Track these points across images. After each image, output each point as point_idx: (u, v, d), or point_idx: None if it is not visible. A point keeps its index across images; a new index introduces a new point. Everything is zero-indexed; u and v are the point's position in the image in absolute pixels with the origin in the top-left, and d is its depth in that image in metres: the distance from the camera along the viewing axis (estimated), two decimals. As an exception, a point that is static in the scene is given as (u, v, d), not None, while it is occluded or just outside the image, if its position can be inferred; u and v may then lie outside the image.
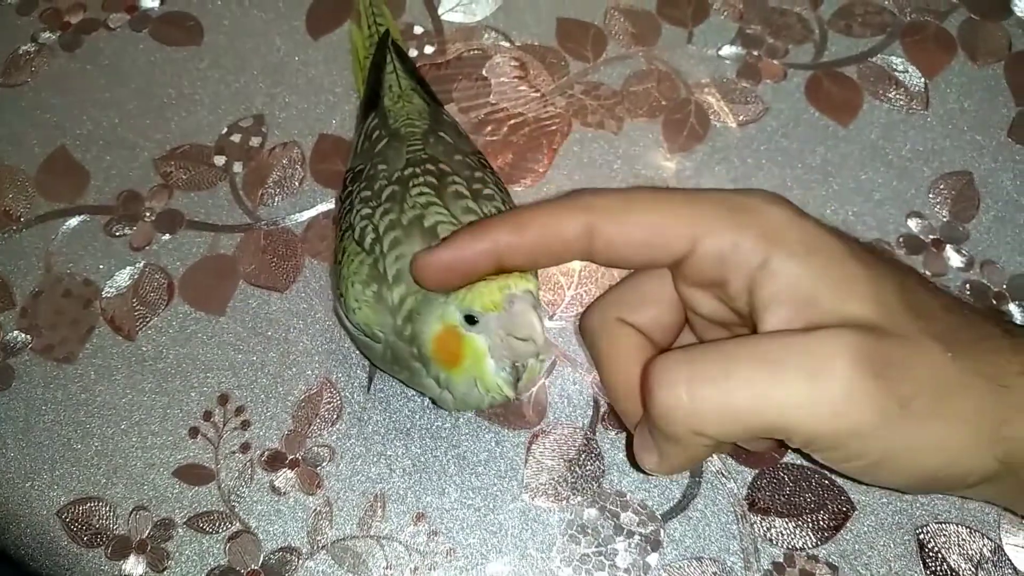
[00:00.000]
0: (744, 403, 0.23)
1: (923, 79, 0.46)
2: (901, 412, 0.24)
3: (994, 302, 0.40)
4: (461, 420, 0.38)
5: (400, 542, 0.36)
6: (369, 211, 0.33)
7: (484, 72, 0.46)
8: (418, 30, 0.48)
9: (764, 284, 0.25)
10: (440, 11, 0.49)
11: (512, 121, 0.45)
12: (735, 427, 0.24)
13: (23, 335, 0.40)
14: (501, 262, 0.26)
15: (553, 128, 0.45)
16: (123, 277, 0.41)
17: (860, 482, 0.27)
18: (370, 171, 0.34)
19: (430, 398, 0.33)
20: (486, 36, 0.48)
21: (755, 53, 0.47)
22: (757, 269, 0.25)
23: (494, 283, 0.27)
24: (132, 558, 0.36)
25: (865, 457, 0.25)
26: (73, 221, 0.43)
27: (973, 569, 0.35)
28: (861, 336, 0.24)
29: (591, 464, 0.37)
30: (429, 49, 0.47)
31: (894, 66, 0.46)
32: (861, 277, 0.25)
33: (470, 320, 0.28)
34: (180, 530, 0.36)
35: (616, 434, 0.37)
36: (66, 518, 0.37)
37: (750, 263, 0.25)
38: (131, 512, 0.37)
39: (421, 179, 0.33)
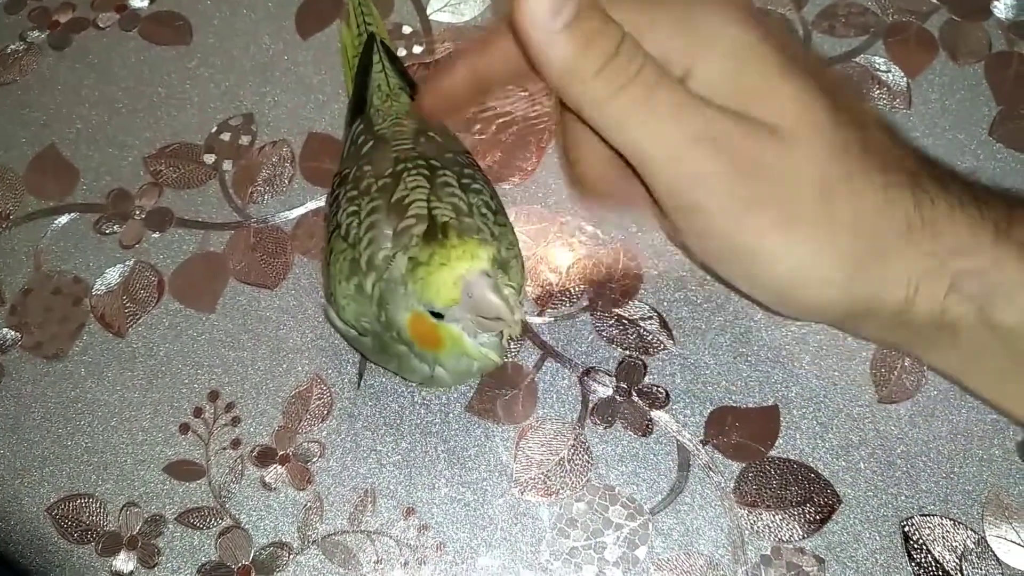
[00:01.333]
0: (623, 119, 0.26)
1: (905, 78, 0.47)
2: (739, 205, 0.27)
3: (976, 298, 0.41)
4: (451, 416, 0.38)
5: (390, 536, 0.36)
6: (355, 208, 0.33)
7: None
8: (407, 30, 0.48)
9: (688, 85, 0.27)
10: (428, 11, 0.49)
11: (500, 120, 0.45)
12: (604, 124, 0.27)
13: (12, 332, 0.40)
14: (479, 82, 0.30)
15: (541, 126, 0.45)
16: (113, 275, 0.41)
17: (727, 285, 0.30)
18: (356, 173, 0.35)
19: (423, 383, 0.33)
20: (474, 35, 0.48)
21: (741, 53, 0.47)
22: (682, 79, 0.27)
23: (446, 272, 0.28)
24: (123, 554, 0.36)
25: (707, 233, 0.28)
26: (63, 219, 0.43)
27: (957, 560, 0.35)
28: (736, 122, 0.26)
29: (579, 459, 0.37)
30: (418, 48, 0.48)
31: (877, 66, 0.47)
32: (783, 89, 0.27)
33: (435, 314, 0.28)
34: (171, 526, 0.36)
35: (604, 429, 0.38)
36: (56, 514, 0.37)
37: (675, 73, 0.27)
38: (121, 508, 0.37)
39: (415, 172, 0.33)
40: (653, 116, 0.26)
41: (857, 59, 0.47)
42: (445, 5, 0.49)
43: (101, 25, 0.49)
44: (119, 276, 0.41)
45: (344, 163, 0.37)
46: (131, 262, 0.42)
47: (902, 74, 0.47)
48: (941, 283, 0.27)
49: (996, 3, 0.49)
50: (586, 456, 0.37)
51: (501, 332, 0.30)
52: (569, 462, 0.37)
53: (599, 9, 0.26)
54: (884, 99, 0.46)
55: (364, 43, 0.41)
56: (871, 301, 0.27)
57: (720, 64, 0.27)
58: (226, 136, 0.45)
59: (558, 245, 0.42)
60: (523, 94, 0.46)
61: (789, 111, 0.26)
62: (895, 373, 0.39)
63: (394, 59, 0.41)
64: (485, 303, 0.28)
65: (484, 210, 0.33)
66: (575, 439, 0.38)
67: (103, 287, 0.41)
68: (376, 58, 0.40)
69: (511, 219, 0.36)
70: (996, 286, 0.26)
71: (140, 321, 0.40)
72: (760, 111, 0.27)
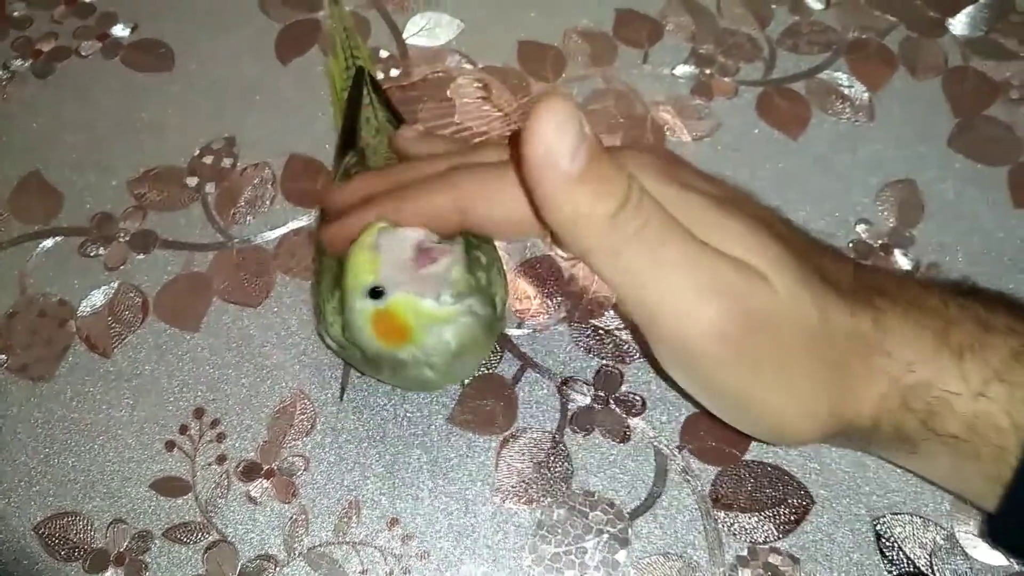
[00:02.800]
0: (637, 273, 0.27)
1: (867, 93, 0.48)
2: (746, 359, 0.27)
3: (940, 302, 0.42)
4: (433, 427, 0.39)
5: (375, 547, 0.37)
6: None
7: (449, 93, 0.48)
8: (384, 54, 0.50)
9: None
10: (405, 35, 0.50)
11: (477, 140, 0.47)
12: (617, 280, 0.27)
13: (-2, 355, 0.41)
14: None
15: (517, 145, 0.46)
16: (98, 296, 0.42)
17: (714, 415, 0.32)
18: None
19: (418, 387, 0.34)
20: (450, 59, 0.49)
21: (707, 71, 0.49)
22: None
23: (356, 251, 0.29)
24: (110, 570, 0.36)
25: (710, 386, 0.29)
26: (47, 243, 0.43)
27: (928, 556, 0.36)
28: (745, 278, 0.27)
29: (560, 466, 0.38)
30: (395, 72, 0.49)
31: (840, 81, 0.49)
32: (735, 226, 0.28)
33: (376, 293, 0.29)
34: (158, 541, 0.37)
35: (583, 437, 0.39)
36: (43, 533, 0.37)
37: None
38: (108, 525, 0.37)
39: None
40: (662, 268, 0.26)
41: (821, 75, 0.49)
42: (421, 30, 0.50)
43: (84, 54, 0.50)
44: (104, 298, 0.42)
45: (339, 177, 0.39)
46: (116, 284, 0.42)
47: (864, 89, 0.48)
48: (895, 402, 0.29)
49: (951, 21, 0.51)
50: (566, 463, 0.38)
51: (456, 286, 0.30)
52: (549, 469, 0.38)
53: (608, 153, 0.26)
54: (847, 113, 0.47)
55: (353, 77, 0.43)
56: (847, 427, 0.29)
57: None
58: (208, 159, 0.46)
59: (535, 258, 0.43)
60: (497, 113, 0.47)
61: (752, 250, 0.27)
62: (863, 376, 0.40)
63: (380, 91, 0.42)
64: (397, 237, 0.28)
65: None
66: (555, 447, 0.38)
67: (88, 309, 0.42)
68: (364, 91, 0.42)
69: None
70: (938, 398, 0.28)
71: (125, 341, 0.41)
72: (731, 248, 0.27)
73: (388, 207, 0.31)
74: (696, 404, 0.36)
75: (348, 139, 0.40)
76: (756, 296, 0.27)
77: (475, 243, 0.34)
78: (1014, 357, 0.27)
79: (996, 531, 0.31)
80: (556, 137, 0.24)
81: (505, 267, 0.40)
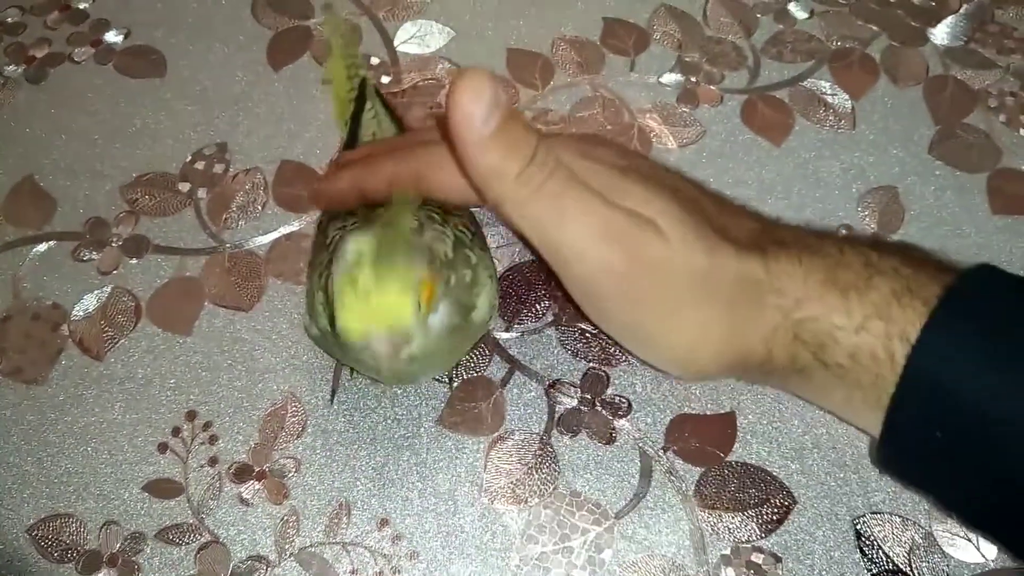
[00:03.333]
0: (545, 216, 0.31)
1: (850, 101, 0.49)
2: (637, 295, 0.32)
3: (920, 306, 0.43)
4: (422, 429, 0.40)
5: (365, 547, 0.37)
6: (343, 224, 0.35)
7: (439, 100, 0.49)
8: (375, 60, 0.50)
9: None
10: (396, 43, 0.51)
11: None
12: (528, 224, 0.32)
13: (-9, 359, 0.41)
14: (362, 194, 0.35)
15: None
16: (91, 300, 0.43)
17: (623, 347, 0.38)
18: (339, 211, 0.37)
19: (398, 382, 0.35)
20: (440, 66, 0.50)
21: (693, 79, 0.50)
22: None
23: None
24: (103, 572, 0.37)
25: (609, 320, 0.35)
26: (41, 247, 0.44)
27: (907, 555, 0.37)
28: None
29: (547, 467, 0.39)
30: (386, 79, 0.50)
31: (823, 89, 0.50)
32: (636, 189, 0.32)
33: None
34: (150, 543, 0.37)
35: (570, 439, 0.39)
36: (36, 535, 0.37)
37: None
38: (101, 527, 0.37)
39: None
40: (563, 216, 0.31)
41: (804, 83, 0.50)
42: (411, 37, 0.51)
43: (77, 59, 0.50)
44: (97, 302, 0.43)
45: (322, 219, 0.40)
46: (108, 288, 0.43)
47: (847, 97, 0.49)
48: (787, 335, 0.32)
49: (932, 30, 0.52)
50: (553, 465, 0.39)
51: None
52: (537, 471, 0.39)
53: (520, 118, 0.30)
54: (830, 121, 0.48)
55: (359, 83, 0.43)
56: (744, 359, 0.34)
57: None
58: (200, 165, 0.46)
59: (524, 263, 0.43)
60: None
61: (653, 205, 0.32)
62: (845, 379, 0.41)
63: (384, 103, 0.43)
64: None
65: (462, 228, 0.36)
66: (542, 449, 0.39)
67: (81, 313, 0.42)
68: (369, 104, 0.42)
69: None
70: (826, 331, 0.32)
71: (118, 345, 0.42)
72: (631, 204, 0.32)
73: (357, 171, 0.36)
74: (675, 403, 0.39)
75: (350, 145, 0.42)
76: (646, 241, 0.31)
77: (466, 242, 0.35)
78: (894, 296, 0.31)
79: (881, 458, 0.35)
80: (471, 104, 0.28)
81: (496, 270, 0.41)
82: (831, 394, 0.34)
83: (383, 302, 0.28)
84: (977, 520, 0.34)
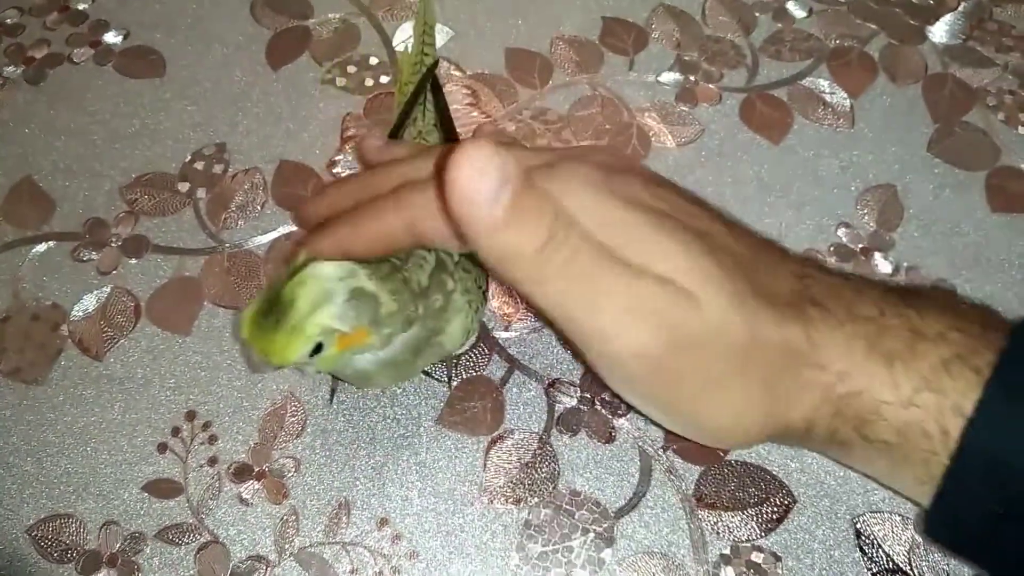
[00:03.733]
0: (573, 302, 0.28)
1: (848, 99, 0.49)
2: (672, 376, 0.29)
3: (919, 305, 0.43)
4: (422, 428, 0.40)
5: (364, 547, 0.37)
6: None
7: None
8: (373, 61, 0.50)
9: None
10: (394, 43, 0.51)
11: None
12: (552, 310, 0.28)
13: (-9, 360, 0.41)
14: (346, 254, 0.31)
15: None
16: (90, 300, 0.43)
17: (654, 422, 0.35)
18: None
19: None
20: (439, 66, 0.50)
21: (692, 78, 0.50)
22: None
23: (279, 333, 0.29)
24: (103, 572, 0.37)
25: (644, 398, 0.31)
26: (40, 248, 0.44)
27: (906, 554, 0.37)
28: (669, 297, 0.28)
29: (546, 466, 0.39)
30: (385, 79, 0.50)
31: (821, 88, 0.50)
32: (670, 245, 0.28)
33: (318, 348, 0.30)
34: (150, 543, 0.37)
35: (570, 438, 0.39)
36: (36, 535, 0.37)
37: None
38: (101, 527, 0.38)
39: None
40: (589, 296, 0.27)
41: (803, 82, 0.50)
42: (409, 37, 0.51)
43: (76, 60, 0.50)
44: (96, 302, 0.43)
45: None
46: (108, 288, 0.43)
47: (845, 95, 0.49)
48: (829, 410, 0.30)
49: (931, 29, 0.52)
50: (553, 464, 0.39)
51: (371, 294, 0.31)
52: (536, 470, 0.39)
53: (534, 187, 0.26)
54: (829, 119, 0.48)
55: (423, 74, 0.43)
56: (783, 432, 0.31)
57: (600, 233, 0.28)
58: (200, 165, 0.46)
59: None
60: (486, 119, 0.48)
61: (687, 270, 0.28)
62: (844, 377, 0.41)
63: (439, 94, 0.42)
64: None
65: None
66: (542, 448, 0.39)
67: (80, 313, 0.42)
68: (423, 95, 0.42)
69: None
70: (870, 407, 0.29)
71: (118, 345, 0.42)
72: (663, 269, 0.28)
73: (343, 232, 0.32)
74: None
75: (394, 133, 0.41)
76: (682, 317, 0.28)
77: (448, 266, 0.34)
78: (943, 365, 0.28)
79: (929, 528, 0.32)
80: (475, 186, 0.24)
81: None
82: (873, 464, 0.32)
83: (271, 340, 0.29)
84: None
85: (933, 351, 0.29)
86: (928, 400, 0.28)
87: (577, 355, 0.37)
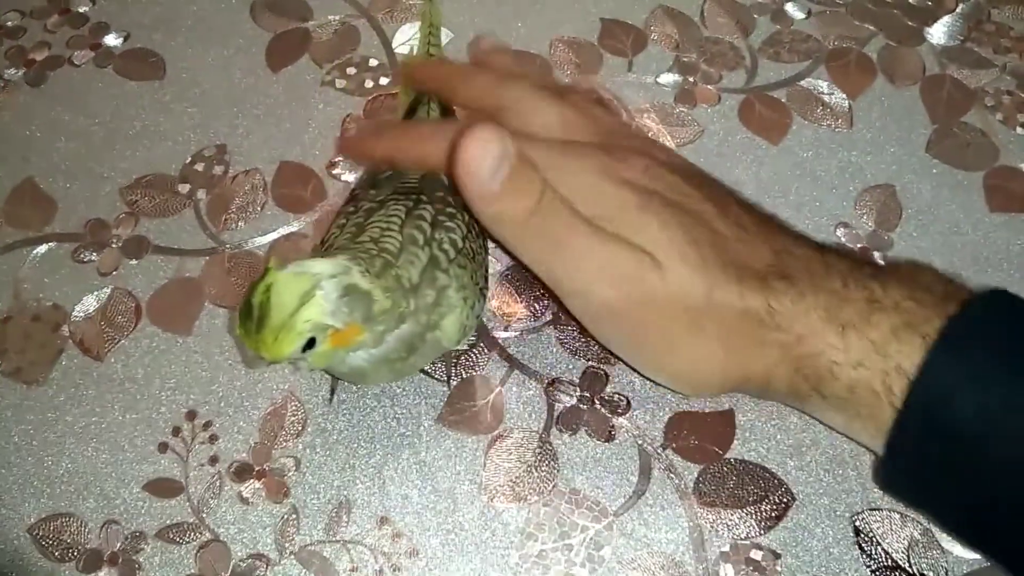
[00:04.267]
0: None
1: (847, 100, 0.49)
2: (634, 327, 0.34)
3: (918, 304, 0.43)
4: (422, 427, 0.40)
5: (365, 545, 0.37)
6: (344, 221, 0.35)
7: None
8: (373, 62, 0.50)
9: None
10: (394, 44, 0.51)
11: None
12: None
13: (-8, 360, 0.41)
14: (389, 159, 0.38)
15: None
16: (91, 301, 0.43)
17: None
18: (359, 195, 0.38)
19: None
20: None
21: (691, 79, 0.50)
22: None
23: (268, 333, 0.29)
24: (104, 571, 0.37)
25: (612, 344, 0.37)
26: (41, 248, 0.44)
27: (905, 551, 0.37)
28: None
29: (546, 465, 0.39)
30: (384, 80, 0.50)
31: (820, 89, 0.50)
32: (650, 222, 0.33)
33: (310, 344, 0.30)
34: (151, 542, 0.37)
35: (569, 437, 0.39)
36: (37, 534, 0.37)
37: None
38: (102, 526, 0.38)
39: (399, 203, 0.36)
40: (563, 255, 0.33)
41: (802, 83, 0.50)
42: (410, 39, 0.51)
43: (76, 62, 0.50)
44: (97, 302, 0.43)
45: (359, 182, 0.40)
46: (108, 289, 0.43)
47: (844, 96, 0.49)
48: (787, 368, 0.34)
49: (929, 30, 0.52)
50: (552, 463, 0.39)
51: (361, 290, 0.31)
52: (536, 469, 0.39)
53: (528, 163, 0.31)
54: (827, 120, 0.48)
55: None
56: (743, 383, 0.35)
57: (590, 210, 0.33)
58: (200, 166, 0.47)
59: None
60: (486, 121, 0.48)
61: (659, 241, 0.33)
62: (843, 376, 0.41)
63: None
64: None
65: (446, 245, 0.35)
66: (541, 447, 0.39)
67: (81, 313, 0.42)
68: (427, 97, 0.42)
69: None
70: (824, 366, 0.33)
71: (118, 345, 0.42)
72: (639, 240, 0.33)
73: (393, 136, 0.39)
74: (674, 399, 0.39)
75: None
76: (645, 279, 0.33)
77: (441, 263, 0.34)
78: (892, 332, 0.32)
79: (883, 479, 0.36)
80: (478, 163, 0.30)
81: (493, 271, 0.42)
82: (831, 419, 0.35)
83: (262, 336, 0.29)
84: (974, 538, 0.34)
85: (885, 320, 0.32)
86: (875, 362, 0.32)
87: (559, 305, 0.38)
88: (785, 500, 0.38)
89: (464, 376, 0.41)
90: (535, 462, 0.39)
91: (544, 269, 0.34)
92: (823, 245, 0.36)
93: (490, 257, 0.43)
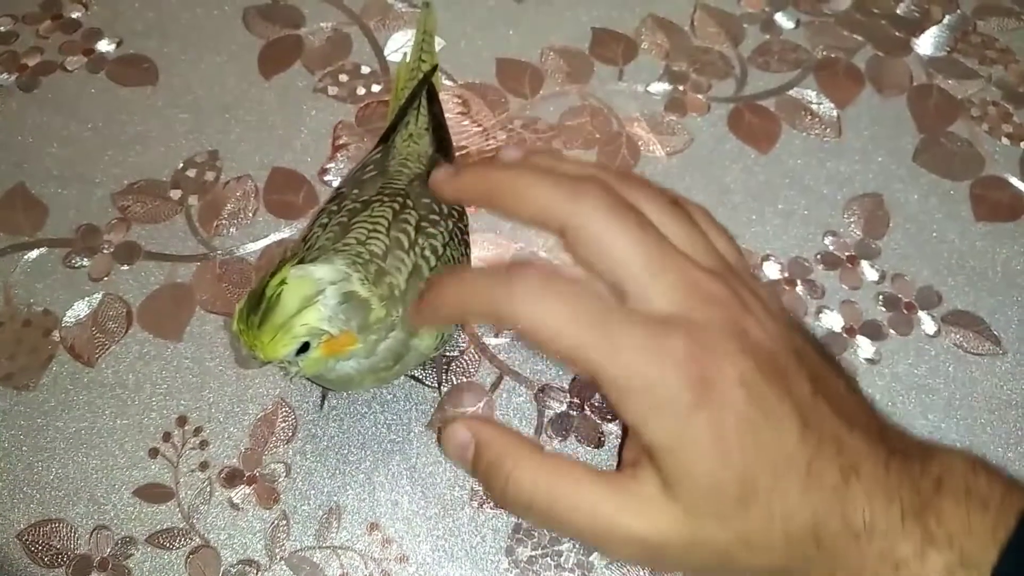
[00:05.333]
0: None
1: (835, 110, 0.50)
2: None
3: (905, 311, 0.43)
4: (412, 434, 0.40)
5: (355, 551, 0.37)
6: (326, 221, 0.35)
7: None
8: (365, 70, 0.51)
9: None
10: (386, 52, 0.51)
11: (457, 154, 0.48)
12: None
13: (-18, 365, 0.41)
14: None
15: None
16: (82, 307, 0.43)
17: None
18: (344, 192, 0.38)
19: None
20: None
21: (681, 88, 0.50)
22: None
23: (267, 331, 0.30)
24: (93, 576, 0.37)
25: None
26: (32, 254, 0.44)
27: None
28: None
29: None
30: (376, 87, 0.50)
31: (809, 98, 0.50)
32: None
33: (304, 348, 0.30)
34: (141, 547, 0.37)
35: (560, 442, 0.40)
36: (27, 540, 0.37)
37: None
38: (92, 532, 0.38)
39: (387, 204, 0.36)
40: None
41: (791, 92, 0.50)
42: (402, 47, 0.51)
43: (69, 68, 0.50)
44: (88, 308, 0.43)
45: (345, 181, 0.40)
46: (100, 294, 0.43)
47: (832, 106, 0.50)
48: None
49: (916, 41, 0.53)
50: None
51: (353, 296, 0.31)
52: (526, 475, 0.39)
53: (490, 454, 0.29)
54: (816, 129, 0.49)
55: (420, 78, 0.43)
56: None
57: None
58: (192, 172, 0.47)
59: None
60: (477, 128, 0.48)
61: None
62: (831, 383, 0.41)
63: (434, 100, 0.43)
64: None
65: (428, 253, 0.35)
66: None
67: (72, 319, 0.42)
68: (418, 102, 0.42)
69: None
70: None
71: (109, 351, 0.42)
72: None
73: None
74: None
75: (387, 134, 0.41)
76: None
77: (424, 271, 0.34)
78: (947, 571, 0.28)
79: None
80: (454, 456, 0.29)
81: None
82: None
83: (259, 335, 0.30)
84: None
85: (940, 560, 0.28)
86: None
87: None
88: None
89: (455, 383, 0.41)
90: (525, 468, 0.39)
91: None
92: (888, 447, 0.30)
93: (475, 262, 0.43)
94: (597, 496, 0.28)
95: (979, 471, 0.30)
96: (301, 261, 0.31)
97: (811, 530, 0.28)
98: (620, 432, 0.40)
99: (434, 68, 0.44)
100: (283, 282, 0.30)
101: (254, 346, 0.30)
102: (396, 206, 0.36)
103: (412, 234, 0.35)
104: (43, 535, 0.38)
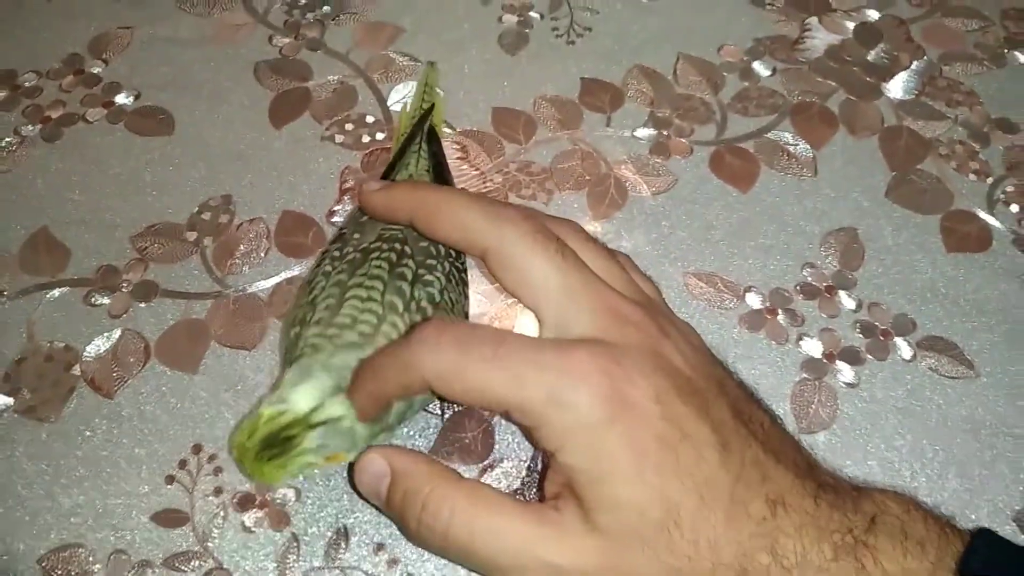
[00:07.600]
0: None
1: (811, 151, 0.53)
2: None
3: (882, 338, 0.46)
4: (416, 458, 0.42)
5: (362, 571, 0.39)
6: (329, 268, 0.38)
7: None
8: (370, 119, 0.54)
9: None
10: (389, 102, 0.55)
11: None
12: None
13: (6, 398, 0.43)
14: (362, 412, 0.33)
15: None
16: (102, 342, 0.45)
17: None
18: (346, 235, 0.39)
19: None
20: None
21: (665, 133, 0.53)
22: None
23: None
24: (112, 597, 0.38)
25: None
26: (54, 293, 0.47)
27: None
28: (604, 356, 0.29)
29: (534, 492, 0.41)
30: (380, 135, 0.53)
31: (786, 140, 0.53)
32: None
33: (316, 424, 0.32)
34: (157, 570, 0.39)
35: (556, 465, 0.42)
36: (47, 565, 0.39)
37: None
38: (110, 556, 0.39)
39: (384, 255, 0.37)
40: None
41: (768, 135, 0.53)
42: (403, 97, 0.55)
43: (90, 120, 0.54)
44: (108, 343, 0.45)
45: (345, 222, 0.41)
46: (119, 331, 0.45)
47: (808, 147, 0.53)
48: None
49: (886, 85, 0.56)
50: (540, 491, 0.41)
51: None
52: (525, 496, 0.41)
53: (406, 486, 0.32)
54: (793, 169, 0.52)
55: (417, 119, 0.46)
56: None
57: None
58: (207, 215, 0.49)
59: (509, 301, 0.46)
60: (475, 172, 0.51)
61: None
62: (812, 407, 0.43)
63: (433, 141, 0.45)
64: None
65: (424, 303, 0.36)
66: (529, 475, 0.41)
67: (92, 353, 0.45)
68: (418, 138, 0.45)
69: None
70: None
71: (128, 384, 0.44)
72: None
73: (364, 385, 0.33)
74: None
75: (386, 175, 0.44)
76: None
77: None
78: None
79: None
80: (368, 483, 0.32)
81: (482, 310, 0.44)
82: None
83: (256, 468, 0.33)
84: None
85: None
86: None
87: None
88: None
89: (457, 409, 0.43)
90: (523, 490, 0.41)
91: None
92: (817, 482, 0.30)
93: (474, 297, 0.46)
94: (517, 525, 0.29)
95: (914, 512, 0.30)
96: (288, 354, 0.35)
97: (739, 562, 0.28)
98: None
99: (431, 107, 0.47)
100: (253, 433, 0.32)
101: (253, 476, 0.33)
102: (394, 256, 0.37)
103: (408, 291, 0.36)
104: (62, 560, 0.39)
